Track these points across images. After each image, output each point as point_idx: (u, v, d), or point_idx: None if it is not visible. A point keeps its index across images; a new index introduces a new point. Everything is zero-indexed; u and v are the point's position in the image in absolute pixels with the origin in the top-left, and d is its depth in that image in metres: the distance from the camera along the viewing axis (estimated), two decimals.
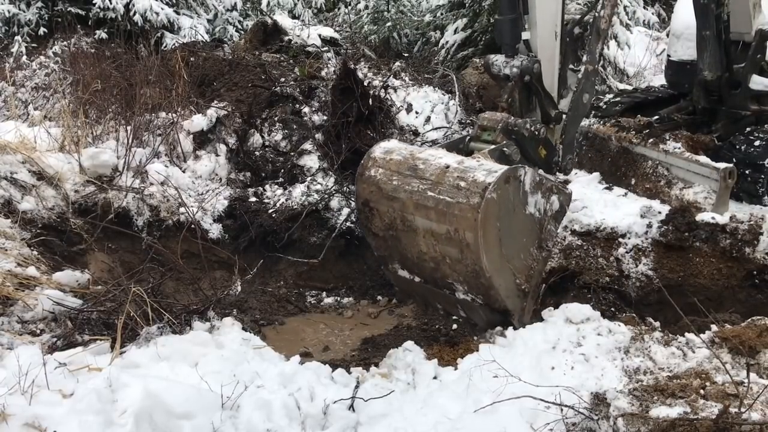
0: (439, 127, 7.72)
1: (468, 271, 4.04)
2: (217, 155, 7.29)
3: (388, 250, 4.75)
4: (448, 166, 4.11)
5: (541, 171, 4.47)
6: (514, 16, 4.22)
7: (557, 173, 4.66)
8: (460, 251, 4.05)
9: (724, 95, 6.61)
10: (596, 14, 4.28)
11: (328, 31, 10.27)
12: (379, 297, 6.59)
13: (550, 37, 4.29)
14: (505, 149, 4.31)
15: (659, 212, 5.57)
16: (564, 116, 4.47)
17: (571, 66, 4.46)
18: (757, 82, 6.60)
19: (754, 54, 6.49)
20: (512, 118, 4.40)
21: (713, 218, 5.35)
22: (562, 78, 4.44)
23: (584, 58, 4.36)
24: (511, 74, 4.34)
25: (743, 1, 6.31)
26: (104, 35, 11.50)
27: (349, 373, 4.16)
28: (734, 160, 6.09)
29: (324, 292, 6.64)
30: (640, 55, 10.91)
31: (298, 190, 6.96)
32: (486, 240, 3.93)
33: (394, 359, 4.33)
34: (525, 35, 4.39)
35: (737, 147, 6.33)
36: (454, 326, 5.59)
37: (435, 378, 3.98)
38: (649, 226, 5.47)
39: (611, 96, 8.07)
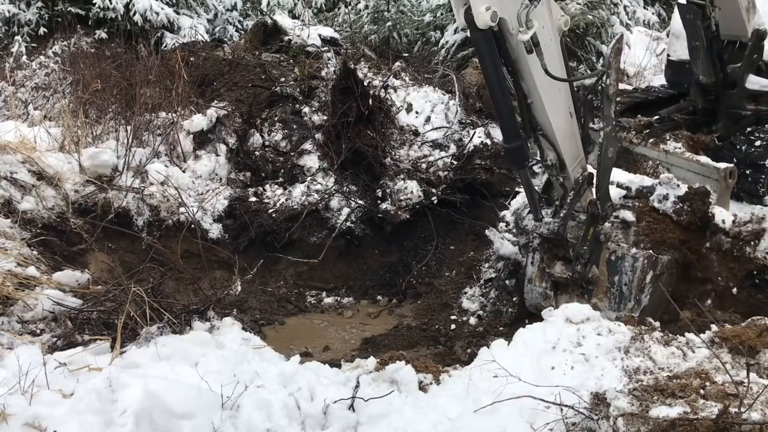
0: (439, 127, 7.72)
1: None
2: (217, 155, 7.29)
3: None
4: None
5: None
6: (519, 143, 4.25)
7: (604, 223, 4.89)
8: None
9: (721, 95, 6.61)
10: (603, 84, 4.40)
11: (328, 31, 10.25)
12: (379, 297, 6.60)
13: (566, 120, 4.40)
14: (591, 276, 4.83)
15: (679, 185, 5.21)
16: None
17: (591, 125, 4.57)
18: (754, 82, 6.59)
19: (750, 54, 6.48)
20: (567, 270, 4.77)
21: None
22: (586, 138, 4.59)
23: (601, 124, 4.53)
24: (541, 234, 4.71)
25: (734, 8, 6.30)
26: (104, 35, 11.52)
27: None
28: (735, 160, 6.08)
29: (324, 292, 6.64)
30: (640, 55, 10.88)
31: (298, 190, 6.96)
32: None
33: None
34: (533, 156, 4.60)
35: (738, 147, 6.32)
36: (453, 326, 5.62)
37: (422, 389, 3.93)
38: (666, 197, 5.20)
39: None
